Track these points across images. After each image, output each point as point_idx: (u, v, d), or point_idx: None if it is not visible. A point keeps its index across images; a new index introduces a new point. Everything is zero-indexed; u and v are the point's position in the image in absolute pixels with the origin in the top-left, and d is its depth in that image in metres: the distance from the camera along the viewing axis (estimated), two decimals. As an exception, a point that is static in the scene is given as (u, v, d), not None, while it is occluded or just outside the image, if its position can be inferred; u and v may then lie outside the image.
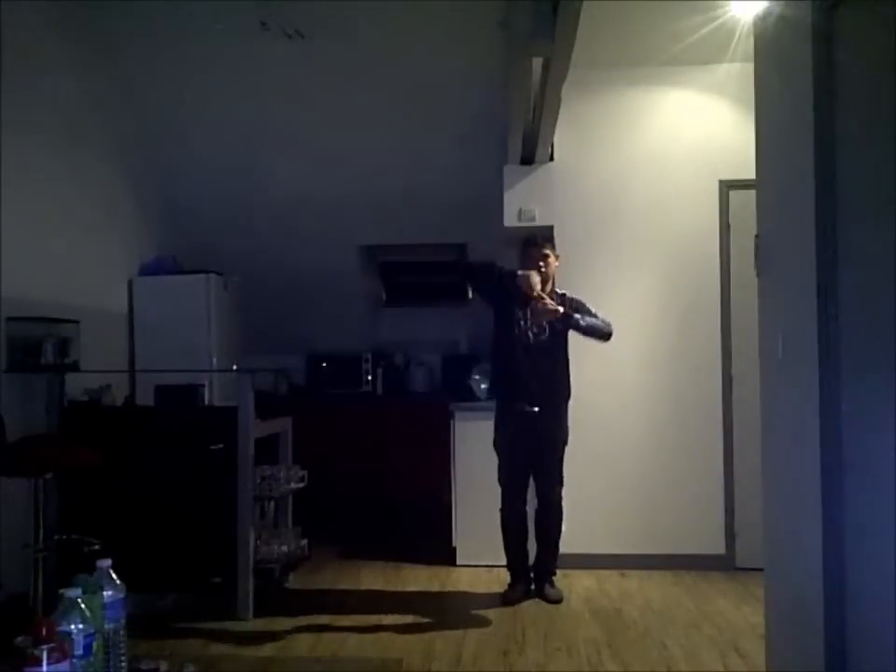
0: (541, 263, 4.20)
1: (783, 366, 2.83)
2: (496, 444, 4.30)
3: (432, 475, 5.40)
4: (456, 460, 4.94)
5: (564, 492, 4.30)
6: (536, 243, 4.29)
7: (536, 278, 4.11)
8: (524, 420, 4.17)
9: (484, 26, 4.45)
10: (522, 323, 4.19)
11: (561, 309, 4.14)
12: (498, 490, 4.33)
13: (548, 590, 4.26)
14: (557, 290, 4.32)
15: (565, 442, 4.28)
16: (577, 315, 4.17)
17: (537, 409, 4.16)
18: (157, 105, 5.31)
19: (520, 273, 4.14)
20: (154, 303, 5.47)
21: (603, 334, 4.24)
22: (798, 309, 2.63)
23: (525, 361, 4.17)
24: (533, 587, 4.32)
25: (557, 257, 4.35)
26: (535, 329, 4.18)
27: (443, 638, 3.72)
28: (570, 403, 4.31)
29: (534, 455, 4.24)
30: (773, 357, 2.92)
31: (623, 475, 4.89)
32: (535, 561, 4.38)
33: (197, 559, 4.10)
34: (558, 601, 4.20)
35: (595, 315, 4.23)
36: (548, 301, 4.13)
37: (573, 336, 4.32)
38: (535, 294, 4.10)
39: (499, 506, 4.34)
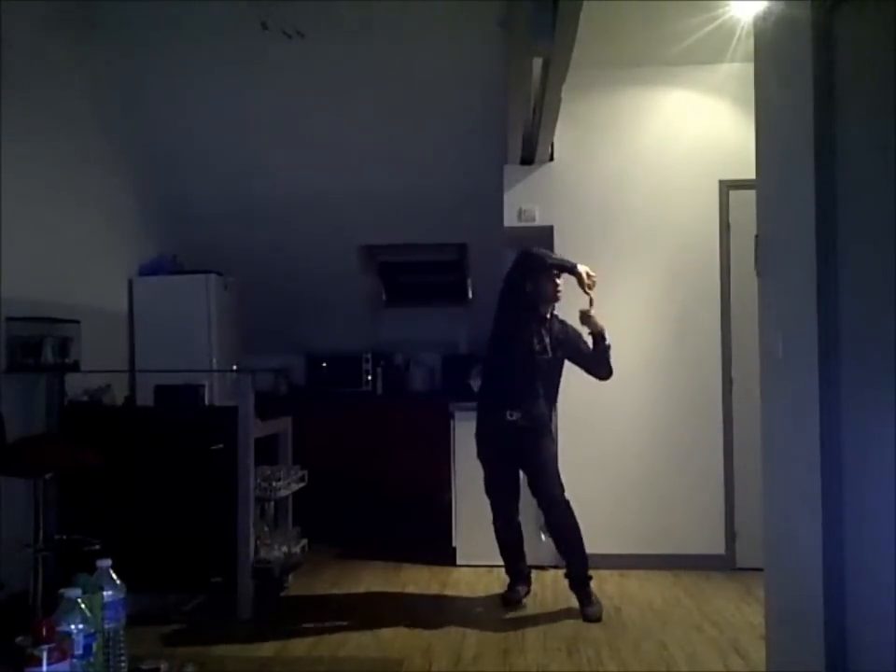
0: (558, 291, 4.16)
1: (783, 366, 2.83)
2: (480, 455, 4.24)
3: (432, 475, 5.40)
4: (456, 460, 4.93)
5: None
6: (547, 266, 4.15)
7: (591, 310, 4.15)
8: (507, 429, 4.10)
9: (484, 26, 4.46)
10: (529, 340, 4.10)
11: (601, 328, 4.15)
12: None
13: (586, 609, 3.98)
14: (557, 315, 4.26)
15: (554, 456, 4.20)
16: (608, 342, 4.16)
17: (518, 415, 4.08)
18: (157, 105, 5.31)
19: (584, 311, 4.15)
20: (154, 303, 5.47)
21: (609, 370, 4.20)
22: (798, 309, 2.63)
23: (522, 371, 4.10)
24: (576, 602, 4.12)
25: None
26: (540, 347, 4.12)
27: (443, 638, 3.71)
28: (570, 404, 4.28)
29: (523, 461, 4.17)
30: (773, 357, 2.92)
31: (623, 475, 4.89)
32: (565, 572, 4.19)
33: (197, 559, 4.10)
34: (598, 620, 3.92)
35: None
36: (594, 313, 4.14)
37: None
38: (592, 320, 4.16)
39: (492, 516, 4.28)
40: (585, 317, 4.16)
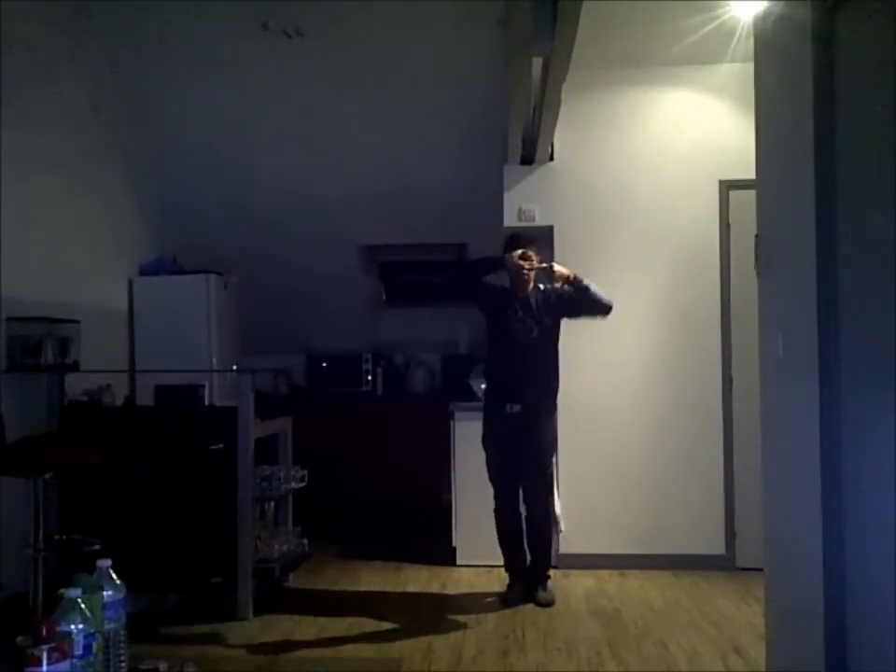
0: (524, 263, 4.18)
1: (783, 366, 2.83)
2: (483, 441, 4.31)
3: (432, 475, 5.39)
4: (456, 460, 4.93)
5: (563, 492, 4.28)
6: (519, 247, 4.22)
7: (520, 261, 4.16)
8: (508, 420, 4.18)
9: (484, 26, 4.46)
10: (511, 323, 4.19)
11: (571, 274, 4.18)
12: None
13: (539, 594, 4.20)
14: (540, 287, 4.28)
15: (551, 449, 4.26)
16: (586, 281, 4.17)
17: (518, 408, 4.15)
18: (157, 105, 5.31)
19: (545, 268, 4.22)
20: (154, 303, 5.47)
21: (606, 305, 4.20)
22: (798, 309, 2.63)
23: (513, 361, 4.18)
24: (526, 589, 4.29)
25: (541, 259, 4.29)
26: (524, 329, 4.17)
27: (443, 639, 3.71)
28: (559, 406, 4.29)
29: (519, 457, 4.23)
30: (773, 357, 2.92)
31: (623, 475, 4.89)
32: (529, 564, 4.35)
33: (197, 559, 4.10)
34: (548, 605, 4.14)
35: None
36: (557, 267, 4.19)
37: (572, 337, 4.32)
38: (532, 267, 4.17)
39: (494, 505, 4.32)
40: (551, 273, 4.19)
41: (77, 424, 4.26)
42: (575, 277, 4.20)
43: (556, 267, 4.23)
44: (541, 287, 4.30)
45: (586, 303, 4.21)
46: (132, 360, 5.47)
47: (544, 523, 4.28)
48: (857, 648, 2.33)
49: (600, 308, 4.22)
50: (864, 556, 2.29)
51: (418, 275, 6.89)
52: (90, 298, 4.97)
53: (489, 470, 4.30)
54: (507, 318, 4.21)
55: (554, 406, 4.29)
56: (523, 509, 4.32)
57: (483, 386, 4.77)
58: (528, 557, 4.35)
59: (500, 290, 4.32)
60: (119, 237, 5.46)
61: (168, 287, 5.52)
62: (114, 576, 1.74)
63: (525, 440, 4.19)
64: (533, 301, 4.24)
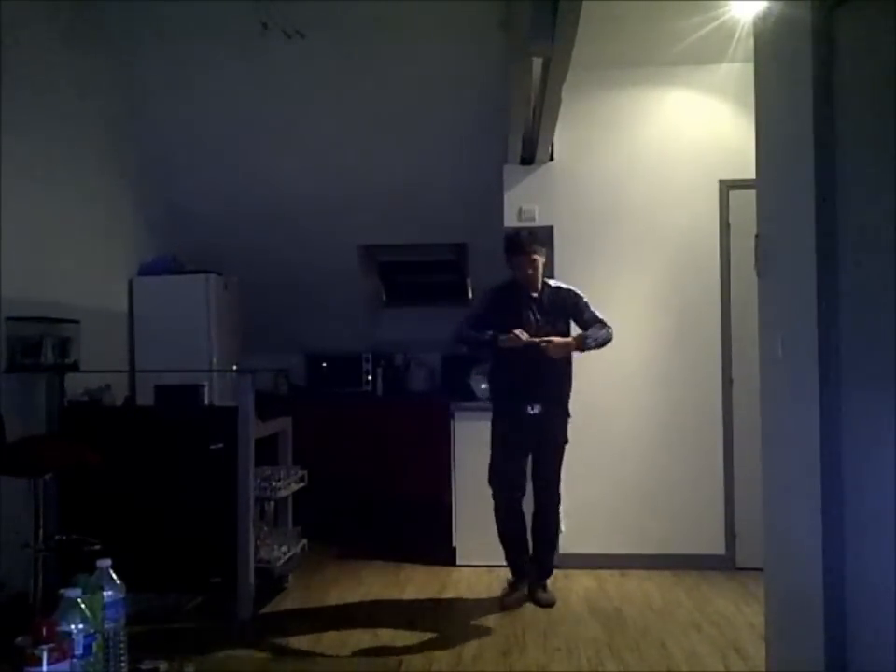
0: (530, 270, 4.15)
1: (783, 367, 2.83)
2: (493, 441, 4.25)
3: (432, 475, 5.40)
4: (456, 460, 4.93)
5: (562, 492, 4.28)
6: (522, 250, 4.15)
7: (522, 336, 4.02)
8: (522, 420, 4.15)
9: (484, 26, 4.46)
10: (524, 324, 4.12)
11: (572, 342, 4.15)
12: None
13: (539, 594, 4.21)
14: (550, 283, 4.27)
15: (564, 442, 4.24)
16: (589, 340, 4.13)
17: (539, 409, 4.13)
18: (157, 105, 5.31)
19: (501, 338, 4.06)
20: (154, 303, 5.47)
21: (609, 341, 4.20)
22: (798, 309, 2.63)
23: (529, 361, 4.09)
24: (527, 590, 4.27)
25: (544, 253, 4.26)
26: (534, 330, 4.13)
27: (443, 639, 3.72)
28: (571, 404, 4.27)
29: (533, 454, 4.21)
30: (773, 358, 2.92)
31: (624, 475, 4.89)
32: (531, 556, 4.32)
33: (197, 559, 4.10)
34: (549, 605, 4.15)
35: (594, 315, 4.20)
36: (555, 341, 4.08)
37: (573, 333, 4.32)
38: (529, 341, 4.04)
39: (494, 505, 4.27)
40: (548, 350, 4.08)
41: (77, 424, 4.26)
42: (576, 344, 4.16)
43: (554, 343, 4.07)
44: (552, 283, 4.27)
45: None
46: (132, 360, 5.47)
47: (552, 525, 4.26)
48: (857, 648, 2.33)
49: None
50: (864, 556, 2.29)
51: (418, 275, 6.91)
52: (90, 298, 4.97)
53: (492, 471, 4.23)
54: (520, 319, 4.13)
55: (568, 406, 4.28)
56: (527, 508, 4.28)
57: (483, 386, 4.75)
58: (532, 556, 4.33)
59: (508, 294, 4.25)
60: (119, 237, 5.46)
61: (168, 286, 5.52)
62: (114, 576, 1.74)
63: (543, 441, 4.17)
64: (545, 299, 4.20)
